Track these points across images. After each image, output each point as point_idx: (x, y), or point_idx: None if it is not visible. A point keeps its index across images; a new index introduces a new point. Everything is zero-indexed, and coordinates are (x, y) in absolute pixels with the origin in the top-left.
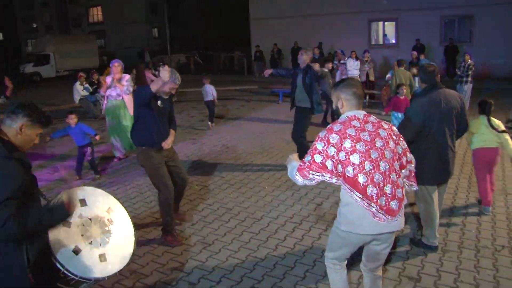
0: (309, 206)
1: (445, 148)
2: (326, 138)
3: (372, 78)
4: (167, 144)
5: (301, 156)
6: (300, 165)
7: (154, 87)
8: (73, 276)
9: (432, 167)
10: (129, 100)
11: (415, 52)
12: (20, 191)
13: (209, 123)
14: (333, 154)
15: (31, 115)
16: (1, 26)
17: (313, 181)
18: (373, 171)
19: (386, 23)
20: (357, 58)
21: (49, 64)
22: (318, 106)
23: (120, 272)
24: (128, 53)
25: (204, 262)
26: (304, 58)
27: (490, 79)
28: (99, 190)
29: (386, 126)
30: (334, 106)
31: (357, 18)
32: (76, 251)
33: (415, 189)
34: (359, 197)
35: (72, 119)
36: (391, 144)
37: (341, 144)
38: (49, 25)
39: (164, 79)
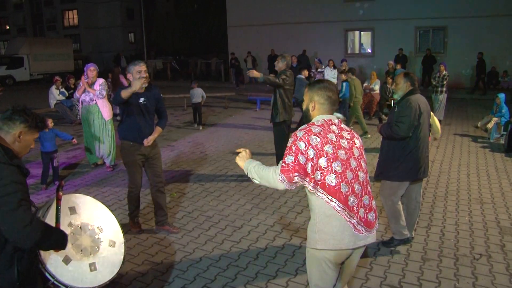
0: (289, 215)
1: (426, 147)
2: (306, 138)
3: None
4: (147, 141)
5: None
6: (283, 166)
7: (125, 95)
8: (63, 287)
9: (416, 164)
10: (102, 105)
11: (391, 62)
12: (28, 197)
13: (198, 126)
14: (312, 157)
15: (28, 121)
16: None
17: (294, 186)
18: (353, 180)
19: (362, 32)
20: (334, 67)
21: (23, 67)
22: (276, 115)
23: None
24: (103, 58)
25: (185, 271)
26: (280, 66)
27: (462, 89)
28: (88, 197)
29: (356, 135)
30: (304, 107)
31: (334, 27)
32: (66, 261)
33: None
34: (341, 207)
35: (50, 122)
36: (363, 154)
37: (322, 149)
38: (22, 27)
39: (135, 89)
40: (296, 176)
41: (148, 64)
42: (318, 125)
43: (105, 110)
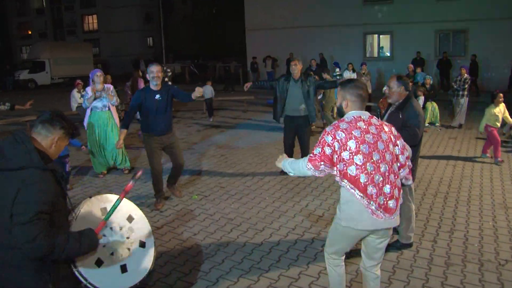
0: (310, 217)
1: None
2: (333, 133)
3: (369, 90)
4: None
5: None
6: (311, 156)
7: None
8: None
9: (417, 167)
10: (115, 111)
11: (411, 65)
12: (52, 206)
13: (209, 118)
14: (337, 150)
15: (66, 127)
16: None
17: (322, 173)
18: (373, 172)
19: (381, 36)
20: (353, 70)
21: (44, 71)
22: (315, 115)
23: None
24: (122, 62)
25: (208, 272)
26: (298, 68)
27: (484, 92)
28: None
29: (387, 129)
30: (338, 104)
31: (352, 30)
32: (98, 263)
33: (410, 183)
34: (360, 195)
35: None
36: (391, 146)
37: (346, 143)
38: (43, 32)
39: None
40: (322, 164)
41: (165, 68)
42: (346, 122)
43: (116, 116)
